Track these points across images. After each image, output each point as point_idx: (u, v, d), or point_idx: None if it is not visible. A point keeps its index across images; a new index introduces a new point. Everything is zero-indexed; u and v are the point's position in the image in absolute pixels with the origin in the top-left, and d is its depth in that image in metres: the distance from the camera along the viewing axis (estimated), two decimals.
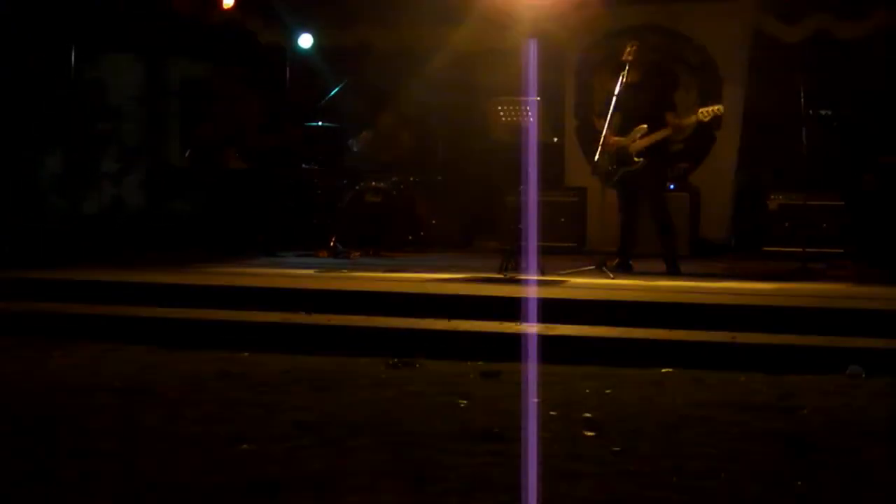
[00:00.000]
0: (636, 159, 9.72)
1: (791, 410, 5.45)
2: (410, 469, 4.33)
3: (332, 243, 11.82)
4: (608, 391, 5.93)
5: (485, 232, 13.58)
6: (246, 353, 7.07)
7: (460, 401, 5.63)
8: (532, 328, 7.03)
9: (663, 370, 6.46)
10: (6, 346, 7.24)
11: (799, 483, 4.17)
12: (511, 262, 9.43)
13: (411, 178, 13.43)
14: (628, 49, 9.83)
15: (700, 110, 9.83)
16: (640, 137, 9.72)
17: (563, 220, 12.77)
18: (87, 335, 7.56)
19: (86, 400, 5.68)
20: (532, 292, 8.02)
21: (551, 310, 7.33)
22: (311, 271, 10.02)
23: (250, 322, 7.73)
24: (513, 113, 9.47)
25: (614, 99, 9.78)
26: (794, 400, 5.66)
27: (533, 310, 7.25)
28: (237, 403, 5.57)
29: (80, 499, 3.98)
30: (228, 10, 13.28)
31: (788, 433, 4.92)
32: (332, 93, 13.30)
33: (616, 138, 9.81)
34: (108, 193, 13.79)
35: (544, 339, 6.72)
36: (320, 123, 12.91)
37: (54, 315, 8.07)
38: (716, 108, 9.82)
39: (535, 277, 9.03)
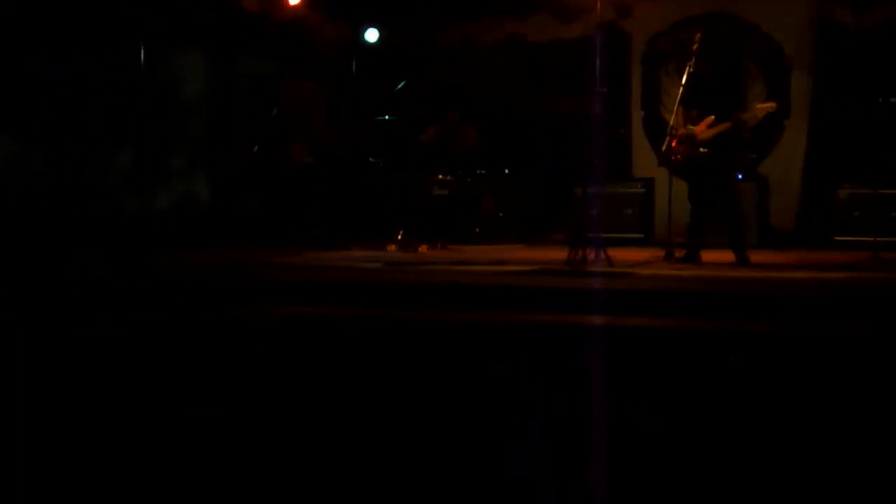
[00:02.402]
0: (702, 150, 9.67)
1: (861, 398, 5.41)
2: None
3: (399, 237, 11.87)
4: (675, 382, 5.91)
5: (552, 224, 13.59)
6: None
7: (524, 390, 5.65)
8: (599, 320, 7.01)
9: (732, 360, 6.42)
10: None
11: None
12: (578, 253, 9.41)
13: (478, 171, 13.47)
14: (696, 38, 9.79)
15: (758, 106, 9.77)
16: (707, 128, 9.67)
17: (630, 211, 12.76)
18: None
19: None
20: (600, 284, 8.01)
21: (618, 302, 7.30)
22: (378, 265, 10.07)
23: (305, 315, 7.77)
24: (580, 104, 9.47)
25: (681, 89, 9.75)
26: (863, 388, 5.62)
27: (600, 301, 7.24)
28: None
29: None
30: (295, 6, 13.40)
31: (860, 422, 4.89)
32: (399, 87, 13.35)
33: (683, 129, 9.77)
34: (177, 190, 13.95)
35: (611, 331, 6.70)
36: (387, 117, 12.96)
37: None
38: (769, 105, 9.74)
39: (603, 269, 9.02)
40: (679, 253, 9.79)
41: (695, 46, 9.74)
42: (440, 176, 13.07)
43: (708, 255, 9.94)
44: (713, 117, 9.62)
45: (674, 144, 9.76)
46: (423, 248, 11.70)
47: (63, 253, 11.02)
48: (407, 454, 4.45)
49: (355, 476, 4.17)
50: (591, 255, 9.48)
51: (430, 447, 4.56)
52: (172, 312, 8.02)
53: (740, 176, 11.77)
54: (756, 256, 9.90)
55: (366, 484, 4.09)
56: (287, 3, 13.38)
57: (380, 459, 4.38)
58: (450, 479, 4.15)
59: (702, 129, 9.66)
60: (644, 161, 13.47)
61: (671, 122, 9.83)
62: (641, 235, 12.63)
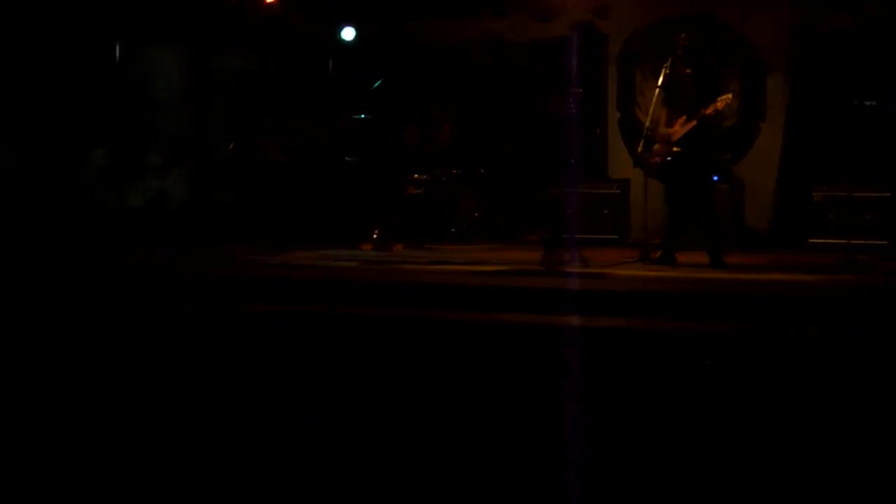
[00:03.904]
0: (675, 149, 9.65)
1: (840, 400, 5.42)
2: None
3: (374, 236, 11.83)
4: (649, 383, 5.91)
5: (527, 224, 13.57)
6: None
7: (499, 389, 5.64)
8: (574, 320, 7.01)
9: (706, 362, 6.42)
10: None
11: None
12: (553, 254, 9.40)
13: (454, 171, 13.45)
14: (681, 39, 9.73)
15: (718, 99, 9.75)
16: (679, 127, 9.65)
17: (605, 211, 12.77)
18: None
19: None
20: (574, 285, 8.01)
21: (593, 302, 7.31)
22: (354, 263, 10.03)
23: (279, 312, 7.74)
24: (555, 105, 9.46)
25: (657, 90, 9.75)
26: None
27: (575, 302, 7.24)
28: None
29: None
30: (272, 3, 13.36)
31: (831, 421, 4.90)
32: (375, 85, 13.32)
33: (659, 129, 9.77)
34: (152, 186, 13.87)
35: (586, 332, 6.70)
36: (363, 116, 12.93)
37: None
38: (725, 96, 9.72)
39: (578, 270, 9.02)
40: (654, 254, 9.79)
41: (680, 46, 9.69)
42: (415, 175, 13.05)
43: (683, 257, 9.95)
44: (684, 117, 9.60)
45: (655, 147, 9.76)
46: (398, 248, 11.66)
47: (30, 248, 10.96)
48: (377, 451, 4.44)
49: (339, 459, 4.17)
50: (567, 255, 9.48)
51: (402, 444, 4.55)
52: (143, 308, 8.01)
53: (716, 178, 11.79)
54: (731, 258, 9.90)
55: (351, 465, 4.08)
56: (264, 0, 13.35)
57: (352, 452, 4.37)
58: (424, 475, 4.14)
59: (675, 130, 9.66)
60: (619, 162, 13.47)
61: (646, 124, 9.83)
62: (616, 236, 12.63)
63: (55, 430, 4.77)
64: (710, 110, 9.55)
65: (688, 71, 9.72)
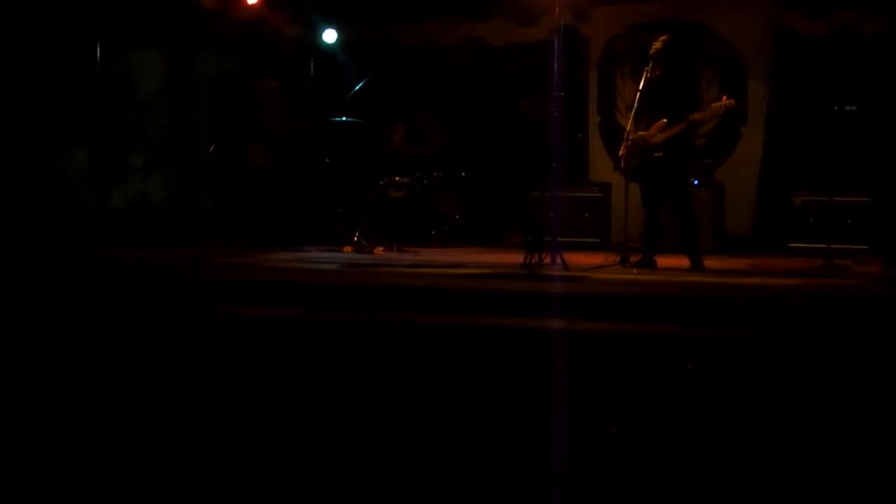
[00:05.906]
0: (656, 153, 9.65)
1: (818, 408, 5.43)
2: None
3: (355, 238, 11.82)
4: (630, 387, 5.92)
5: (509, 227, 13.57)
6: None
7: (489, 393, 5.63)
8: (554, 323, 7.01)
9: (687, 366, 6.43)
10: None
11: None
12: (534, 257, 9.41)
13: (435, 174, 13.44)
14: (657, 43, 9.74)
15: (713, 105, 9.76)
16: (660, 131, 9.65)
17: (586, 215, 12.77)
18: None
19: None
20: (555, 288, 8.01)
21: (573, 305, 7.30)
22: (334, 266, 10.01)
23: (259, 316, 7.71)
24: (537, 108, 9.46)
25: (638, 94, 9.75)
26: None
27: (556, 305, 7.24)
28: None
29: None
30: (253, 5, 13.34)
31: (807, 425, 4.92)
32: (356, 88, 13.31)
33: (639, 133, 9.77)
34: (134, 188, 13.82)
35: (566, 335, 6.70)
36: (344, 119, 12.91)
37: None
38: (727, 102, 9.72)
39: (558, 273, 9.03)
40: (634, 257, 9.80)
41: (658, 45, 9.67)
42: (397, 178, 13.03)
43: (663, 260, 9.96)
44: (665, 121, 9.60)
45: (634, 150, 9.74)
46: (378, 250, 11.64)
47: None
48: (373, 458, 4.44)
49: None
50: (547, 258, 9.49)
51: (396, 447, 4.55)
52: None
53: (696, 182, 11.82)
54: (711, 262, 9.93)
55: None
56: (245, 2, 13.32)
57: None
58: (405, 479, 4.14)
59: (653, 134, 9.65)
60: (600, 166, 13.51)
61: (627, 128, 9.84)
62: (597, 240, 12.64)
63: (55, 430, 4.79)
64: (701, 115, 9.58)
65: (668, 75, 9.72)
